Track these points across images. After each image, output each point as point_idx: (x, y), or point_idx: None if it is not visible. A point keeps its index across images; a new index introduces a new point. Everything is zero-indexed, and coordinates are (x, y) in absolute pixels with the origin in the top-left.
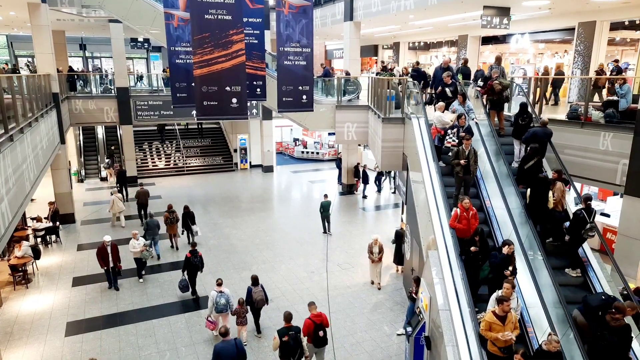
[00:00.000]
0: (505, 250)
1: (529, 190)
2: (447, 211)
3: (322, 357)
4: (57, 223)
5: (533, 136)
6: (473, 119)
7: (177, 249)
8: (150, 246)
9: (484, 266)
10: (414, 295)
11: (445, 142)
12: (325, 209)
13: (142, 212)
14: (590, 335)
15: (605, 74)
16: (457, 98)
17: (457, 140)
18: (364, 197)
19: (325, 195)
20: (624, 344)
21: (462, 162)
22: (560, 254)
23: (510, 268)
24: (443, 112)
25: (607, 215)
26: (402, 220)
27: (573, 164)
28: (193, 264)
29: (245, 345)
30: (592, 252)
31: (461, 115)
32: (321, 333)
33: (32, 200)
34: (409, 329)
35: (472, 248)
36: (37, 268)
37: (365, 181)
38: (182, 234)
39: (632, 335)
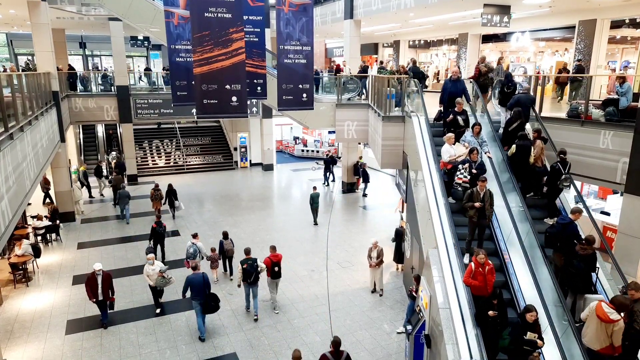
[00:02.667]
0: (528, 317)
1: (513, 147)
2: (447, 210)
3: (276, 286)
4: (58, 221)
5: (517, 102)
6: (486, 153)
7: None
8: (165, 272)
9: (504, 333)
10: (414, 293)
11: (456, 178)
12: (314, 200)
13: (116, 196)
14: (563, 266)
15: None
16: (468, 126)
17: (469, 177)
18: (364, 195)
19: (314, 187)
20: (589, 269)
21: (476, 205)
22: (539, 207)
23: (536, 337)
24: (453, 144)
25: (607, 214)
26: (402, 219)
27: (573, 162)
28: (158, 233)
29: (217, 282)
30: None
31: (473, 150)
32: (276, 269)
33: (28, 204)
34: (409, 327)
35: (491, 313)
36: (37, 266)
37: (366, 179)
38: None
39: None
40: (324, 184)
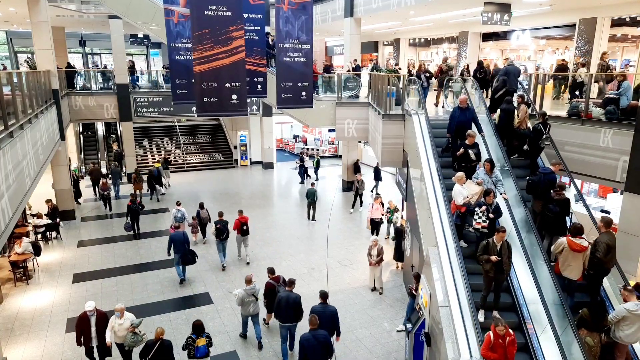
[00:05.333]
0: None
1: (497, 112)
2: (447, 209)
3: (246, 243)
4: (58, 220)
5: (505, 72)
6: (502, 194)
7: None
8: (138, 327)
9: None
10: (414, 291)
11: (474, 223)
12: (310, 195)
13: (96, 187)
14: (541, 211)
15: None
16: (480, 160)
17: (487, 222)
18: (377, 194)
19: (312, 184)
20: (563, 213)
21: (493, 258)
22: (522, 167)
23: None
24: (464, 183)
25: (607, 212)
26: (402, 217)
27: (573, 160)
28: (133, 209)
29: (196, 244)
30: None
31: (490, 193)
32: (244, 227)
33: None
34: (409, 325)
35: None
36: (37, 264)
37: (378, 178)
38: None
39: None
40: (301, 182)
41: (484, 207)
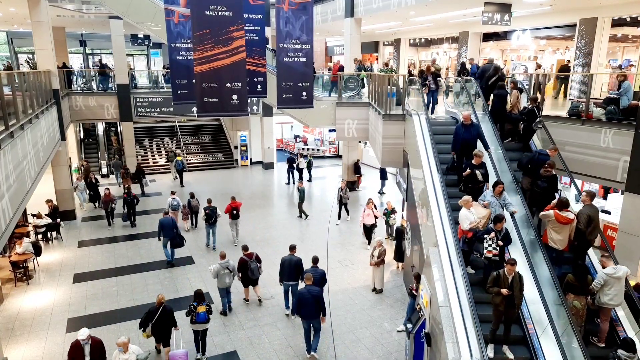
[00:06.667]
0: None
1: (491, 97)
2: (447, 208)
3: (237, 227)
4: (59, 220)
5: (482, 71)
6: (512, 212)
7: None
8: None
9: None
10: (414, 291)
11: (485, 251)
12: (301, 194)
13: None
14: (530, 188)
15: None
16: (488, 181)
17: (498, 249)
18: (382, 193)
19: (300, 182)
20: (551, 188)
21: (504, 291)
22: (516, 150)
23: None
24: (471, 206)
25: (608, 212)
26: (402, 217)
27: (574, 160)
28: (129, 201)
29: (188, 231)
30: (592, 249)
31: (502, 219)
32: (235, 212)
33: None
34: (410, 325)
35: None
36: (38, 264)
37: (384, 177)
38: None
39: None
40: (287, 183)
41: (493, 234)
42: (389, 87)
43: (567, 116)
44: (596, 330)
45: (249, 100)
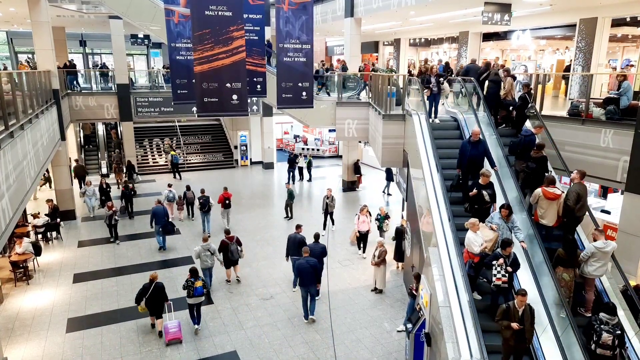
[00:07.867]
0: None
1: (486, 84)
2: (447, 207)
3: (227, 215)
4: (58, 220)
5: (466, 70)
6: (521, 242)
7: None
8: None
9: None
10: (414, 291)
11: (494, 279)
12: (290, 196)
13: (82, 183)
14: (522, 170)
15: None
16: (495, 201)
17: (507, 276)
18: (389, 194)
19: (287, 183)
20: (541, 169)
21: (514, 326)
22: (509, 135)
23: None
24: (478, 229)
25: (608, 212)
26: (402, 217)
27: (573, 160)
28: (126, 194)
29: (182, 221)
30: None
31: (510, 244)
32: (227, 201)
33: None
34: (410, 325)
35: None
36: (37, 264)
37: (390, 178)
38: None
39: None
40: (287, 183)
41: (501, 260)
42: (388, 87)
43: (567, 116)
44: (583, 300)
45: (249, 100)
